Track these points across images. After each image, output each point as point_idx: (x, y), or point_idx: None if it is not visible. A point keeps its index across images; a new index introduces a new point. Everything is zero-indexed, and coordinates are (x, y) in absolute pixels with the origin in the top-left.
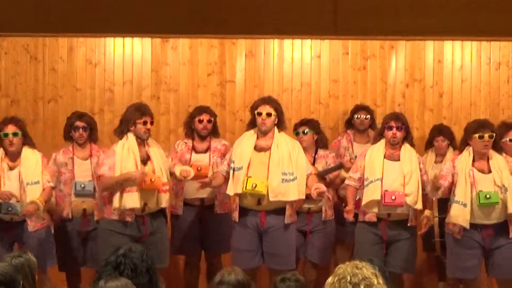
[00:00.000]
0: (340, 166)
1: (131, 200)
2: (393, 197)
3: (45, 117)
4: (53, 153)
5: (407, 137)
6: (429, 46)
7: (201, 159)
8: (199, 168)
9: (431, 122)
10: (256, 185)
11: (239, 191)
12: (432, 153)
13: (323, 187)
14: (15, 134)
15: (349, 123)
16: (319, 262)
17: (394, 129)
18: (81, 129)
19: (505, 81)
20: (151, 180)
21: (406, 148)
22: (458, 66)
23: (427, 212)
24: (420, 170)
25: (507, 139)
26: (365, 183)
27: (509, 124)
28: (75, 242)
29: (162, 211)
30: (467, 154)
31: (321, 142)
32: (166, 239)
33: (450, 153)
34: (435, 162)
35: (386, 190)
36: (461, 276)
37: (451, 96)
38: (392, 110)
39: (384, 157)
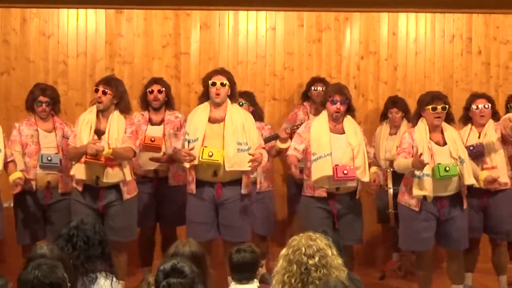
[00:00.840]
0: (275, 137)
1: (78, 170)
2: (345, 172)
3: None
4: (15, 123)
5: (349, 109)
6: (384, 18)
7: (156, 131)
8: (152, 139)
9: (386, 95)
10: (212, 154)
11: (196, 162)
12: (386, 125)
13: (257, 156)
14: None
15: (305, 96)
16: (265, 234)
17: (338, 103)
18: (44, 104)
19: (459, 54)
20: (93, 155)
21: (349, 121)
22: (413, 39)
23: (374, 169)
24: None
25: (474, 107)
26: (313, 158)
27: (476, 94)
28: (36, 214)
29: (117, 185)
30: (422, 126)
31: (256, 114)
32: (125, 212)
33: (404, 125)
34: (390, 134)
35: (336, 165)
36: (416, 248)
37: (406, 68)
38: (347, 82)
39: (331, 130)
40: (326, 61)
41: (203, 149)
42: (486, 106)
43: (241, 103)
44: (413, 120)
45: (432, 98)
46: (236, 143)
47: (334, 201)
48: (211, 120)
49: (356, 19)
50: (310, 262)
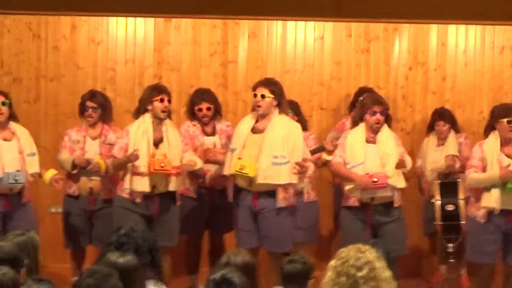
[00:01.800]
0: (322, 148)
1: (141, 183)
2: (375, 179)
3: (47, 95)
4: (66, 130)
5: (387, 120)
6: (433, 29)
7: (212, 141)
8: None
9: (434, 105)
10: (243, 167)
11: (230, 171)
12: (433, 136)
13: (305, 164)
14: (3, 104)
15: (353, 106)
16: (308, 243)
17: (378, 114)
18: (90, 110)
19: (509, 65)
20: (160, 165)
21: (384, 131)
22: (462, 50)
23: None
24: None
25: None
26: (347, 167)
27: None
28: (81, 220)
29: (172, 193)
30: (493, 138)
31: (300, 123)
32: (175, 219)
33: (451, 136)
34: (437, 145)
35: (367, 173)
36: (479, 260)
37: (454, 79)
38: (395, 93)
39: (366, 141)
40: (374, 71)
41: (238, 161)
42: None
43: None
44: (486, 131)
45: (508, 110)
46: (271, 156)
47: (370, 212)
48: (254, 130)
49: (405, 30)
50: (359, 274)
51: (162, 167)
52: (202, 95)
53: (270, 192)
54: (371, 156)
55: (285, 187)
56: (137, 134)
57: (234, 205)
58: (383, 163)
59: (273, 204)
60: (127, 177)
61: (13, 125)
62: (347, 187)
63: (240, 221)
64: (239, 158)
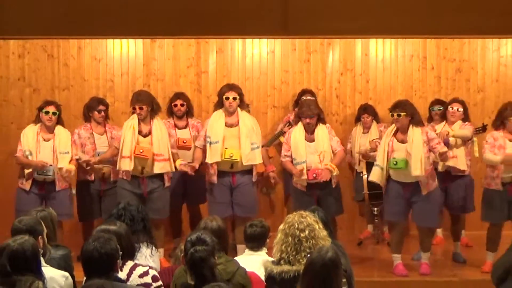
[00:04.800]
0: (281, 132)
1: (125, 163)
2: (314, 175)
3: (60, 102)
4: (75, 129)
5: (319, 119)
6: (358, 43)
7: (184, 133)
8: (184, 141)
9: (360, 102)
10: (232, 154)
11: (218, 159)
12: (360, 126)
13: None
14: (54, 113)
15: (296, 103)
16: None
17: (308, 118)
18: (102, 112)
19: (417, 70)
20: (140, 151)
21: (319, 129)
22: (380, 58)
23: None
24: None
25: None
26: (294, 162)
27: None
28: (94, 199)
29: (161, 175)
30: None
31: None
32: (164, 197)
33: (374, 126)
34: (363, 133)
35: (308, 170)
36: (390, 218)
37: (375, 81)
38: (330, 93)
39: (305, 139)
40: (314, 76)
41: (225, 150)
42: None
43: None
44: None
45: None
46: (249, 143)
47: (313, 190)
48: (227, 125)
49: (337, 44)
50: (302, 235)
51: (141, 152)
52: (178, 94)
53: (245, 171)
54: (310, 155)
55: (255, 167)
56: (126, 128)
57: (214, 185)
58: (320, 159)
59: (250, 179)
60: (118, 159)
61: (57, 128)
62: (294, 179)
63: (219, 195)
64: (226, 148)
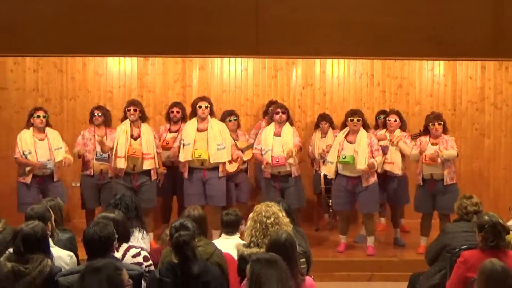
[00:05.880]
0: (251, 146)
1: (120, 162)
2: (277, 160)
3: (68, 110)
4: (81, 131)
5: (288, 119)
6: (317, 63)
7: (173, 136)
8: (167, 143)
9: (318, 111)
10: (201, 154)
11: (189, 158)
12: (319, 132)
13: (240, 153)
14: (44, 116)
15: (266, 112)
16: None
17: (280, 113)
18: (96, 115)
19: (365, 85)
20: (132, 151)
21: (286, 127)
22: (336, 76)
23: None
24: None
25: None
26: (262, 152)
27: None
28: (94, 190)
29: (148, 171)
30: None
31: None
32: (152, 189)
33: (330, 132)
34: (321, 137)
35: (272, 156)
36: (337, 208)
37: (331, 95)
38: (294, 104)
39: (274, 134)
40: (280, 90)
41: (195, 151)
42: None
43: (233, 119)
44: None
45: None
46: (216, 145)
47: (278, 181)
48: (199, 130)
49: (299, 63)
50: (268, 221)
51: (133, 152)
52: (175, 103)
53: (213, 168)
54: (276, 145)
55: (223, 163)
56: (119, 132)
57: (188, 180)
58: (283, 149)
59: (217, 174)
60: (113, 159)
61: (47, 130)
62: (263, 167)
63: (192, 188)
64: (196, 149)
